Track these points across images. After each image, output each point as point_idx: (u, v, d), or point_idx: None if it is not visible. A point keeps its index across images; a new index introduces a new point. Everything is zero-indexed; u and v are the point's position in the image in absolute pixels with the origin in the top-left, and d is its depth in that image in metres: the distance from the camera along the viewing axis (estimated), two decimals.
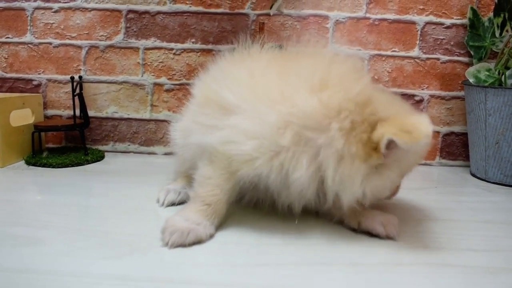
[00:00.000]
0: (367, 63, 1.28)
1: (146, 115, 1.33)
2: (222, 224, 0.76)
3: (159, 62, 1.30)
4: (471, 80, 1.15)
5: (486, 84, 1.12)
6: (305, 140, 0.65)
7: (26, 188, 0.99)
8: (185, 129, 0.87)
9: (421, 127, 0.61)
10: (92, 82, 1.32)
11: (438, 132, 1.32)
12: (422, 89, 1.29)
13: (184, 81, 1.30)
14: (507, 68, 1.13)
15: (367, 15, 1.27)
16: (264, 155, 0.67)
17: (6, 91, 1.33)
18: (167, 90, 1.31)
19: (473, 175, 1.22)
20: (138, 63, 1.30)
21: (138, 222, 0.79)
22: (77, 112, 1.26)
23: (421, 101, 1.29)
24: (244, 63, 0.77)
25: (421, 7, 1.26)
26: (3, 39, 1.31)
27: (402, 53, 1.28)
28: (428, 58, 1.28)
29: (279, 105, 0.66)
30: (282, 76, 0.71)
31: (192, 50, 1.29)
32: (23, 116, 1.22)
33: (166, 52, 1.30)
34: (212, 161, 0.73)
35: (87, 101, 1.29)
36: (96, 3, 1.28)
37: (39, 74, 1.32)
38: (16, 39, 1.31)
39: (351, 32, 1.27)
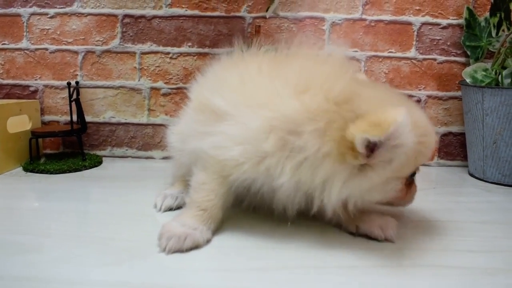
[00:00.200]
0: (363, 64, 1.28)
1: (143, 119, 1.33)
2: (218, 229, 0.76)
3: (156, 67, 1.30)
4: (468, 80, 1.15)
5: (483, 84, 1.12)
6: (290, 145, 0.65)
7: (24, 194, 0.99)
8: (182, 133, 0.87)
9: (390, 117, 0.58)
10: (89, 87, 1.32)
11: (436, 133, 1.31)
12: (419, 90, 1.29)
13: (181, 85, 1.30)
14: (504, 68, 1.13)
15: (363, 16, 1.27)
16: (250, 160, 0.67)
17: (3, 98, 1.33)
18: (164, 94, 1.31)
19: (471, 175, 1.22)
20: (135, 67, 1.30)
21: (136, 227, 0.79)
22: (74, 118, 1.26)
23: (418, 101, 1.29)
24: (237, 68, 0.77)
25: (417, 7, 1.26)
26: None
27: (399, 54, 1.28)
28: (424, 59, 1.28)
29: (263, 110, 0.67)
30: (270, 80, 0.70)
31: (188, 54, 1.29)
32: (20, 123, 1.22)
33: (163, 56, 1.30)
34: (206, 167, 0.73)
35: (84, 106, 1.28)
36: (92, 8, 1.28)
37: (35, 80, 1.32)
38: (12, 45, 1.31)
39: (348, 33, 1.27)
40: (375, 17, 1.27)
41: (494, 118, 1.09)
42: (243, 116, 0.68)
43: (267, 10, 1.24)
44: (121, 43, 1.29)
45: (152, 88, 1.31)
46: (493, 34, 1.18)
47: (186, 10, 1.27)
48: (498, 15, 1.15)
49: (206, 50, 1.29)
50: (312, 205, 0.69)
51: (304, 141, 0.64)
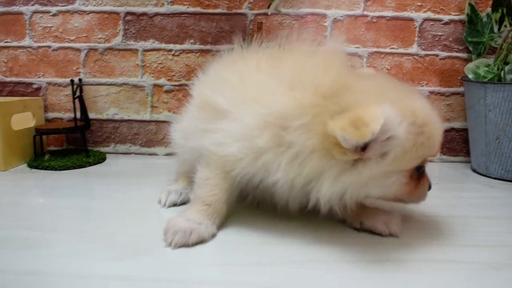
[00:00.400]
0: (366, 60, 1.28)
1: (146, 116, 1.33)
2: (224, 224, 0.76)
3: (158, 64, 1.30)
4: (470, 76, 1.15)
5: (486, 80, 1.12)
6: (283, 141, 0.65)
7: (29, 191, 0.99)
8: (184, 130, 0.88)
9: (371, 122, 0.55)
10: (92, 84, 1.32)
11: None
12: (422, 86, 1.29)
13: (183, 82, 1.30)
14: (506, 63, 1.13)
15: (365, 12, 1.27)
16: (247, 156, 0.68)
17: (7, 95, 1.33)
18: (167, 91, 1.31)
19: (474, 170, 1.22)
20: (137, 64, 1.31)
21: (140, 223, 0.79)
22: (78, 115, 1.26)
23: None
24: (236, 66, 0.78)
25: (419, 3, 1.26)
26: (2, 44, 1.31)
27: (401, 50, 1.28)
28: (427, 55, 1.28)
29: (257, 107, 0.67)
30: (267, 77, 0.71)
31: (190, 51, 1.29)
32: (24, 120, 1.23)
33: (165, 53, 1.30)
34: (208, 163, 0.74)
35: (88, 103, 1.29)
36: (94, 5, 1.28)
37: (39, 77, 1.32)
38: (15, 43, 1.31)
39: (349, 30, 1.27)
40: (377, 13, 1.27)
41: (497, 113, 1.09)
42: (240, 113, 0.68)
43: (268, 7, 1.23)
44: (123, 41, 1.30)
45: (155, 85, 1.31)
46: (495, 29, 1.18)
47: (188, 7, 1.27)
48: (500, 10, 1.15)
49: (208, 47, 1.29)
50: (309, 201, 0.68)
51: (293, 136, 0.64)
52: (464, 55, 1.28)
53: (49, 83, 1.33)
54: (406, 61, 1.28)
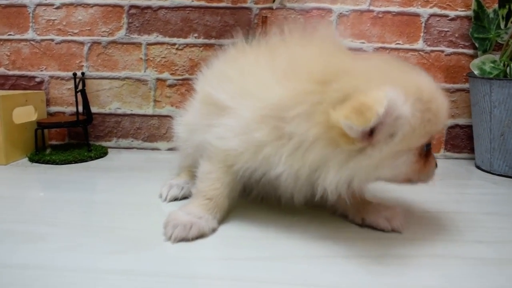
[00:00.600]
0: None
1: (149, 110, 1.33)
2: (225, 218, 0.76)
3: (162, 58, 1.30)
4: (476, 72, 1.14)
5: (491, 76, 1.11)
6: (283, 133, 0.64)
7: (30, 185, 0.99)
8: (188, 124, 0.87)
9: (374, 106, 0.54)
10: (94, 78, 1.31)
11: None
12: None
13: (187, 76, 1.30)
14: None
15: (371, 7, 1.26)
16: (248, 150, 0.67)
17: (9, 89, 1.33)
18: (170, 86, 1.31)
19: (478, 167, 1.21)
20: (141, 58, 1.30)
21: (141, 217, 0.79)
22: (80, 109, 1.25)
23: None
24: (237, 61, 0.78)
25: None
26: (5, 36, 1.31)
27: (406, 46, 1.27)
28: (432, 51, 1.27)
29: (253, 101, 0.67)
30: (263, 70, 0.71)
31: (194, 45, 1.29)
32: (26, 113, 1.22)
33: (169, 47, 1.29)
34: (211, 157, 0.74)
35: (90, 97, 1.28)
36: None
37: (41, 71, 1.32)
38: (18, 36, 1.31)
39: (355, 25, 1.26)
40: (383, 9, 1.26)
41: (502, 110, 1.08)
42: (239, 107, 0.69)
43: (273, 1, 1.23)
44: (127, 34, 1.29)
45: (158, 79, 1.31)
46: (502, 26, 1.17)
47: (193, 1, 1.27)
48: (507, 6, 1.14)
49: (212, 41, 1.28)
50: (315, 192, 0.66)
51: (293, 127, 0.63)
52: (470, 51, 1.27)
53: (51, 77, 1.32)
54: (411, 56, 1.27)
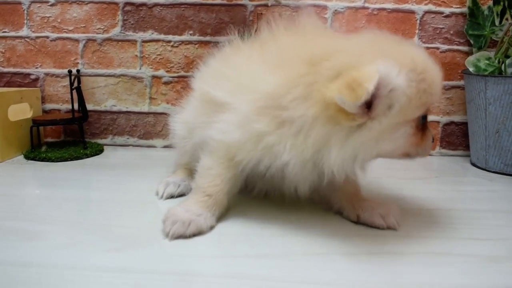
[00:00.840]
0: None
1: (144, 108, 1.32)
2: (222, 216, 0.76)
3: (157, 55, 1.29)
4: (471, 69, 1.14)
5: (486, 73, 1.12)
6: (284, 121, 0.64)
7: (25, 182, 0.98)
8: (187, 121, 0.87)
9: (365, 82, 0.55)
10: (90, 75, 1.31)
11: (438, 122, 1.31)
12: None
13: (182, 73, 1.29)
14: (507, 56, 1.12)
15: (366, 4, 1.26)
16: (250, 140, 0.68)
17: (4, 86, 1.32)
18: (166, 83, 1.31)
19: (474, 164, 1.21)
20: (136, 55, 1.30)
21: (137, 215, 0.79)
22: (76, 106, 1.25)
23: None
24: (232, 58, 0.79)
25: None
26: (0, 34, 1.30)
27: None
28: (427, 48, 1.27)
29: (250, 93, 0.68)
30: (256, 63, 0.72)
31: (190, 42, 1.29)
32: (21, 111, 1.22)
33: (164, 44, 1.29)
34: (212, 152, 0.74)
35: (85, 94, 1.28)
36: None
37: (36, 68, 1.32)
38: (13, 33, 1.30)
39: (350, 22, 1.26)
40: (378, 5, 1.26)
41: (497, 107, 1.09)
42: (236, 102, 0.69)
43: None
44: (122, 31, 1.29)
45: (154, 77, 1.30)
46: (497, 22, 1.17)
47: None
48: (501, 3, 1.14)
49: (207, 38, 1.28)
50: (323, 177, 0.66)
51: (291, 112, 0.63)
52: (465, 48, 1.27)
53: (46, 74, 1.32)
54: None
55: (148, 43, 1.29)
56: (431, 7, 1.26)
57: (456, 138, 1.32)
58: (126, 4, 1.27)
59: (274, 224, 0.74)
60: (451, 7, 1.26)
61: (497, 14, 1.16)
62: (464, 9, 1.25)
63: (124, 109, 1.33)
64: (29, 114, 1.24)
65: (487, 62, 1.13)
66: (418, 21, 1.26)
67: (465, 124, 1.29)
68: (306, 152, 0.64)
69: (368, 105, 0.58)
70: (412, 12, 1.26)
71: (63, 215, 0.77)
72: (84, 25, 1.29)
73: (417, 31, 1.27)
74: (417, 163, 1.20)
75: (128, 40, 1.29)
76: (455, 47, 1.27)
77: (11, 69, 1.32)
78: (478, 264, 0.62)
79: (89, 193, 0.92)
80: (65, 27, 1.29)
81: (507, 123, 1.08)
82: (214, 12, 1.27)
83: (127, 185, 0.96)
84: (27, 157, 1.16)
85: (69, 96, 1.24)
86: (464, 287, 0.56)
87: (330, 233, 0.72)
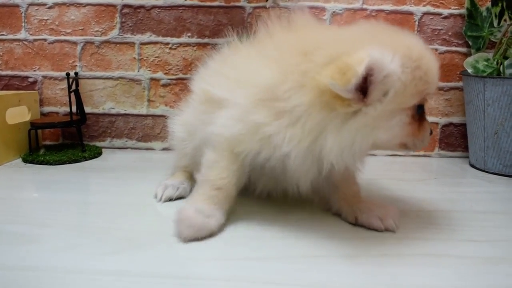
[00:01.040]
0: None
1: (143, 110, 1.32)
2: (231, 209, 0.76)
3: (155, 57, 1.29)
4: (469, 71, 1.14)
5: (485, 74, 1.12)
6: (282, 112, 0.65)
7: (24, 185, 0.98)
8: (187, 123, 0.87)
9: (355, 65, 0.56)
10: (88, 78, 1.31)
11: (436, 123, 1.31)
12: None
13: (180, 75, 1.29)
14: (506, 58, 1.12)
15: (364, 6, 1.26)
16: (249, 131, 0.68)
17: (2, 89, 1.32)
18: (164, 85, 1.30)
19: (472, 166, 1.21)
20: (134, 58, 1.30)
21: (136, 217, 0.78)
22: (74, 109, 1.25)
23: None
24: (231, 58, 0.80)
25: None
26: None
27: None
28: None
29: (247, 87, 0.69)
30: (254, 60, 0.73)
31: (188, 44, 1.28)
32: (19, 114, 1.22)
33: (162, 46, 1.29)
34: (215, 146, 0.74)
35: (84, 97, 1.28)
36: None
37: (34, 71, 1.31)
38: (10, 36, 1.30)
39: (348, 23, 1.26)
40: (376, 7, 1.26)
41: (495, 108, 1.08)
42: (235, 97, 0.70)
43: (267, 0, 1.23)
44: (120, 34, 1.29)
45: (152, 79, 1.30)
46: (495, 24, 1.17)
47: (186, 0, 1.26)
48: (500, 4, 1.14)
49: (205, 40, 1.28)
50: (322, 170, 0.66)
51: (288, 102, 0.63)
52: (463, 49, 1.27)
53: (44, 77, 1.31)
54: None
55: (146, 46, 1.29)
56: (430, 8, 1.26)
57: (455, 140, 1.32)
58: (124, 6, 1.27)
59: (274, 226, 0.74)
60: (450, 8, 1.26)
61: (496, 16, 1.16)
62: (463, 11, 1.25)
63: (123, 112, 1.33)
64: (27, 117, 1.24)
65: (485, 63, 1.13)
66: (416, 23, 1.26)
67: (463, 125, 1.29)
68: (304, 141, 0.64)
69: (364, 92, 0.58)
70: (410, 13, 1.26)
71: (61, 218, 0.77)
72: (82, 27, 1.29)
73: (415, 33, 1.26)
74: (416, 164, 1.20)
75: (126, 43, 1.29)
76: (454, 48, 1.27)
77: (9, 72, 1.32)
78: (477, 266, 0.62)
79: (88, 196, 0.92)
80: (63, 29, 1.29)
81: (506, 124, 1.08)
82: (212, 14, 1.27)
83: (125, 188, 0.95)
84: (25, 160, 1.15)
85: (67, 99, 1.24)
86: None
87: (329, 235, 0.71)
